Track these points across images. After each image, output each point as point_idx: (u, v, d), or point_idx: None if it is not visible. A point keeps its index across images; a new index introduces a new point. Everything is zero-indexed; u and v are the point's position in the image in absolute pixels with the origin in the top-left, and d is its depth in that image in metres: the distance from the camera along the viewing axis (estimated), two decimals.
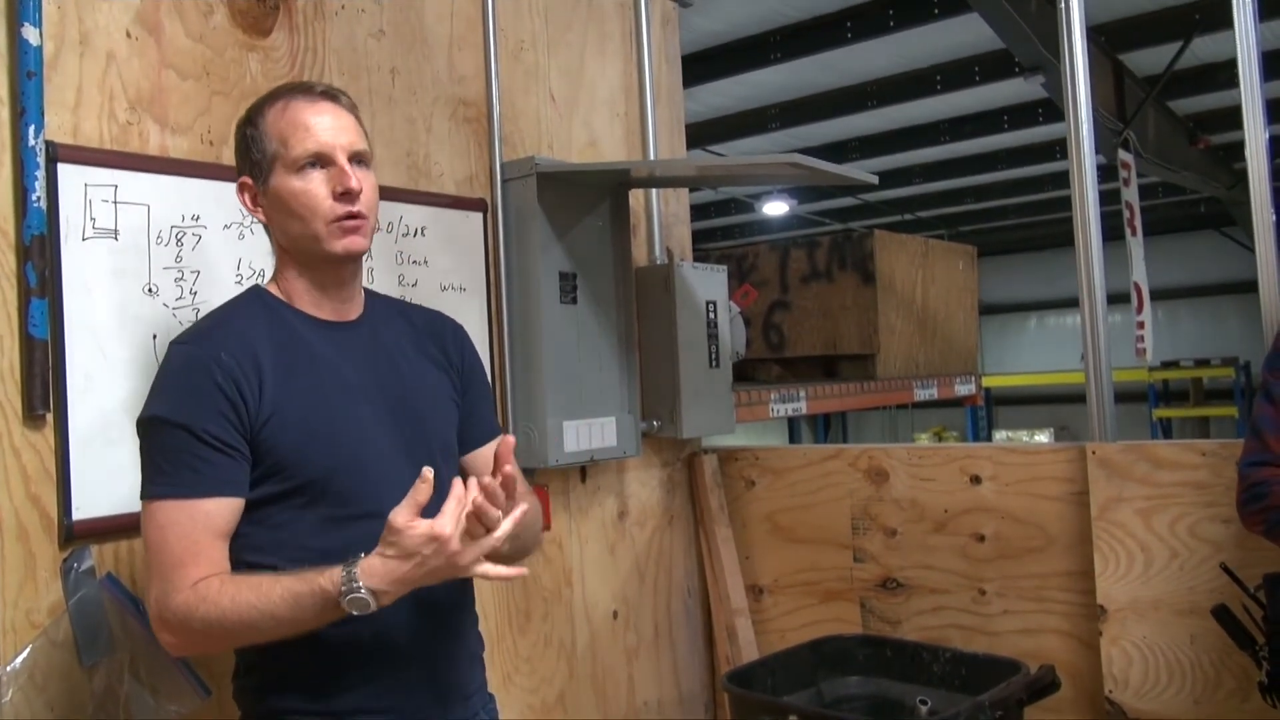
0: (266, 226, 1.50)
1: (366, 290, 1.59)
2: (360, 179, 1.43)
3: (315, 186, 1.42)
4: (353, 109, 1.49)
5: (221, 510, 1.35)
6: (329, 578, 1.26)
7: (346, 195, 1.42)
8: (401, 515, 1.25)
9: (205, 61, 1.86)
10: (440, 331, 1.64)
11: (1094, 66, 2.60)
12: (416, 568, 1.26)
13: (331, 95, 1.47)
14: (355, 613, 1.26)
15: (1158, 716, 2.22)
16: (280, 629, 1.29)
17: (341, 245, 1.43)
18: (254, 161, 1.45)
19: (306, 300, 1.48)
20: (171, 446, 1.34)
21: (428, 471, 1.25)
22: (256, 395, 1.37)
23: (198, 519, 1.33)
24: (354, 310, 1.53)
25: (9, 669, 1.54)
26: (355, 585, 1.24)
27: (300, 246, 1.45)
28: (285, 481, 1.38)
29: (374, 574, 1.25)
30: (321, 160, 1.42)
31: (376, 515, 1.39)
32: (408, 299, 2.06)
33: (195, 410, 1.34)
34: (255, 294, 1.51)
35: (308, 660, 1.38)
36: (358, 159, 1.45)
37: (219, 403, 1.35)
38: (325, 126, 1.43)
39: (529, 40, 2.53)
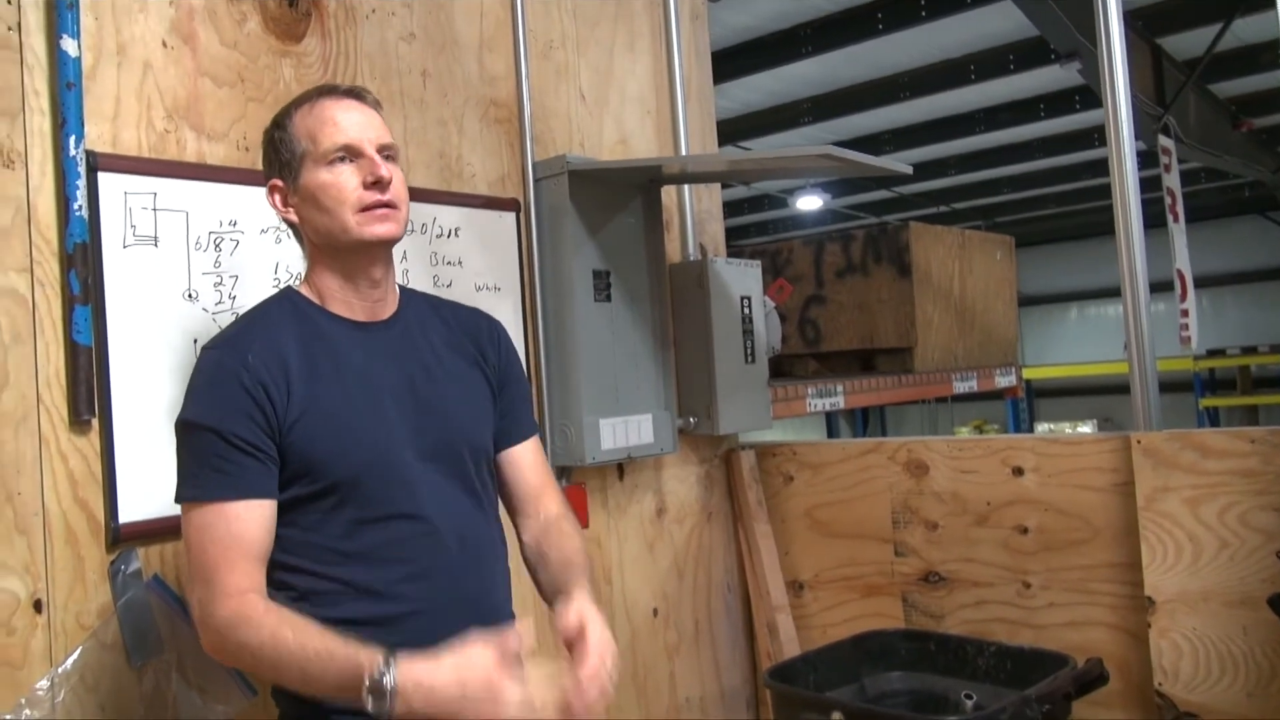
0: (296, 228, 1.51)
1: (402, 288, 1.59)
2: (389, 170, 1.45)
3: (344, 178, 1.43)
4: (377, 106, 1.51)
5: (252, 513, 1.36)
6: (368, 656, 1.23)
7: (377, 184, 1.44)
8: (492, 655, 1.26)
9: (240, 68, 1.88)
10: (476, 329, 1.63)
11: (1132, 51, 2.56)
12: (464, 708, 1.23)
13: (356, 94, 1.49)
14: (369, 708, 1.22)
15: (1210, 709, 2.18)
16: (302, 683, 1.29)
17: (374, 232, 1.44)
18: (284, 162, 1.46)
19: (338, 300, 1.49)
20: (202, 450, 1.36)
21: (522, 629, 1.29)
22: (284, 398, 1.38)
23: (231, 522, 1.34)
24: (386, 309, 1.53)
25: (61, 670, 1.57)
26: (384, 684, 1.21)
27: (330, 240, 1.46)
28: (313, 484, 1.39)
29: (418, 684, 1.22)
30: (350, 153, 1.44)
31: (403, 517, 1.42)
32: None
33: (223, 414, 1.36)
34: (286, 296, 1.52)
35: None
36: (385, 152, 1.47)
37: (247, 406, 1.36)
38: (353, 121, 1.45)
39: (558, 39, 2.54)
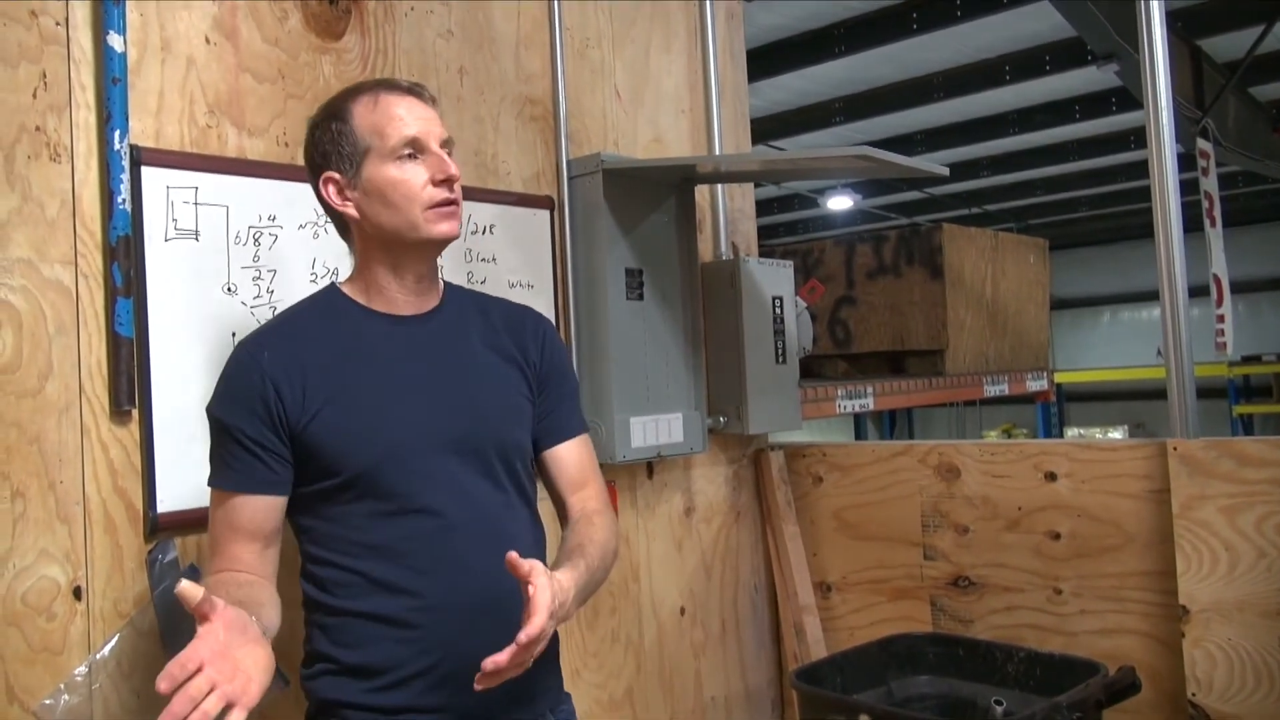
0: (344, 222, 1.51)
1: (448, 284, 1.60)
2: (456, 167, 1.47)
3: (413, 175, 1.44)
4: (434, 102, 1.51)
5: (248, 507, 1.40)
6: None
7: (446, 181, 1.45)
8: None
9: (280, 65, 1.90)
10: (520, 326, 1.61)
11: (1172, 53, 2.53)
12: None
13: (416, 90, 1.49)
14: None
15: None
16: None
17: (441, 230, 1.45)
18: (344, 155, 1.46)
19: (381, 295, 1.50)
20: (215, 441, 1.44)
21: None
22: (299, 395, 1.40)
23: (229, 511, 1.40)
24: (429, 304, 1.54)
25: (98, 657, 1.59)
26: None
27: (392, 235, 1.46)
28: (334, 477, 1.41)
29: None
30: (416, 148, 1.45)
31: (422, 512, 1.42)
32: None
33: (233, 410, 1.41)
34: (326, 292, 1.54)
35: (365, 654, 1.40)
36: (447, 148, 1.48)
37: (254, 403, 1.40)
38: (418, 117, 1.46)
39: (594, 38, 2.54)
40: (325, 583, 1.43)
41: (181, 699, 1.04)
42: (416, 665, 1.40)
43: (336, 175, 1.47)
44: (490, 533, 1.45)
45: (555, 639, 1.56)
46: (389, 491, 1.41)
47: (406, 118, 1.45)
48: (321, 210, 1.88)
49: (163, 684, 1.04)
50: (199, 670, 1.07)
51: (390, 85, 1.49)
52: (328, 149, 1.47)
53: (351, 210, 1.48)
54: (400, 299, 1.51)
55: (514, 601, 1.38)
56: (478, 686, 1.24)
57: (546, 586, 1.27)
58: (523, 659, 1.24)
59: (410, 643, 1.40)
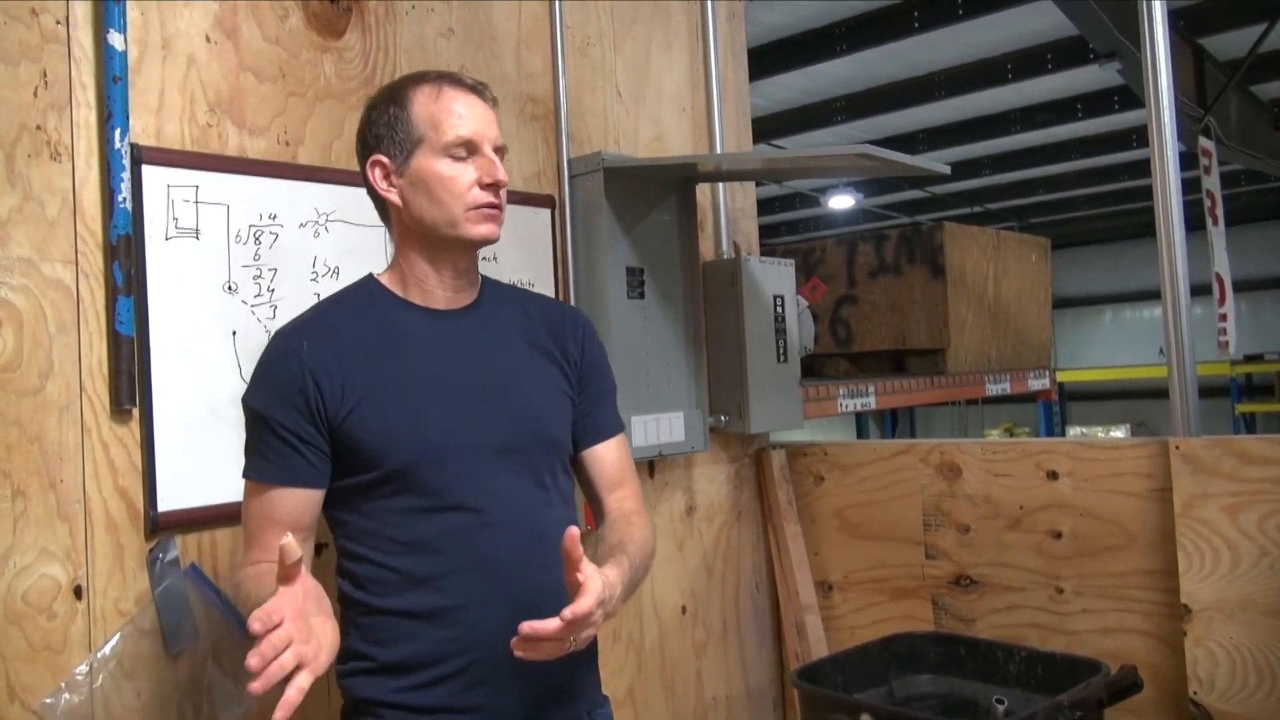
0: (386, 210, 1.50)
1: (486, 279, 1.59)
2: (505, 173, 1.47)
3: (461, 173, 1.44)
4: (494, 105, 1.51)
5: (285, 499, 1.39)
6: None
7: (493, 185, 1.45)
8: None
9: (281, 63, 1.90)
10: (559, 323, 1.61)
11: (1174, 51, 2.52)
12: None
13: (479, 90, 1.49)
14: None
15: None
16: None
17: (480, 231, 1.45)
18: (396, 141, 1.45)
19: (418, 287, 1.49)
20: (252, 432, 1.42)
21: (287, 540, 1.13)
22: (337, 387, 1.39)
23: (265, 504, 1.39)
24: (466, 299, 1.53)
25: (99, 656, 1.59)
26: None
27: (432, 229, 1.45)
28: (370, 472, 1.40)
29: None
30: (470, 148, 1.44)
31: (460, 509, 1.41)
32: None
33: (271, 400, 1.39)
34: (364, 283, 1.53)
35: (401, 651, 1.39)
36: (500, 153, 1.48)
37: (293, 395, 1.38)
38: (478, 116, 1.46)
39: (595, 36, 2.54)
40: (361, 580, 1.42)
41: (268, 644, 1.08)
42: (453, 664, 1.39)
43: (385, 159, 1.46)
44: (529, 531, 1.44)
45: (594, 640, 1.51)
46: (428, 488, 1.40)
47: (466, 116, 1.44)
48: (328, 209, 1.91)
49: (255, 625, 1.08)
50: (280, 624, 1.09)
51: (455, 80, 1.48)
52: (381, 132, 1.46)
53: (394, 197, 1.47)
54: (438, 293, 1.50)
55: (553, 600, 1.34)
56: (517, 652, 1.25)
57: (596, 575, 1.27)
58: (565, 636, 1.24)
59: (447, 641, 1.39)
